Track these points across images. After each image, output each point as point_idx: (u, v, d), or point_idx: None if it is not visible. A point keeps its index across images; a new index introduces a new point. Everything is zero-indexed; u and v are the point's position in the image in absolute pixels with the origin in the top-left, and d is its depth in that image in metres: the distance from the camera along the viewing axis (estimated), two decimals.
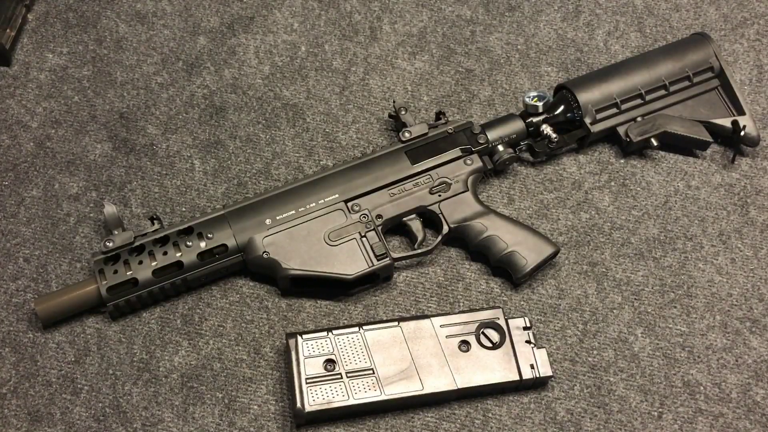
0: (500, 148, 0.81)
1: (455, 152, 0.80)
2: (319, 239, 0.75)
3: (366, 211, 0.76)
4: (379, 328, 0.71)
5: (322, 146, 0.86)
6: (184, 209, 0.81)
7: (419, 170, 0.79)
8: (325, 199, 0.76)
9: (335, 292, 0.76)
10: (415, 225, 0.78)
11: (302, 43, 0.93)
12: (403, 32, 0.95)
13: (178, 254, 0.73)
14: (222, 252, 0.74)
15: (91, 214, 0.80)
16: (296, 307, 0.76)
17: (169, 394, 0.71)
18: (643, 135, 0.83)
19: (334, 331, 0.71)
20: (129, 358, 0.73)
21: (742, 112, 0.86)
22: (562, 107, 0.84)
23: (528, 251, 0.76)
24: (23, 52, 0.90)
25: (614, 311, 0.77)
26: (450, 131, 0.81)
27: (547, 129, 0.83)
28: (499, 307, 0.73)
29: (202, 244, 0.73)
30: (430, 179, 0.79)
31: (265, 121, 0.87)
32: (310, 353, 0.70)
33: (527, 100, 0.83)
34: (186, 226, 0.74)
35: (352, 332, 0.71)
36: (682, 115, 0.85)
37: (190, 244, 0.73)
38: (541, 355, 0.71)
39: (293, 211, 0.75)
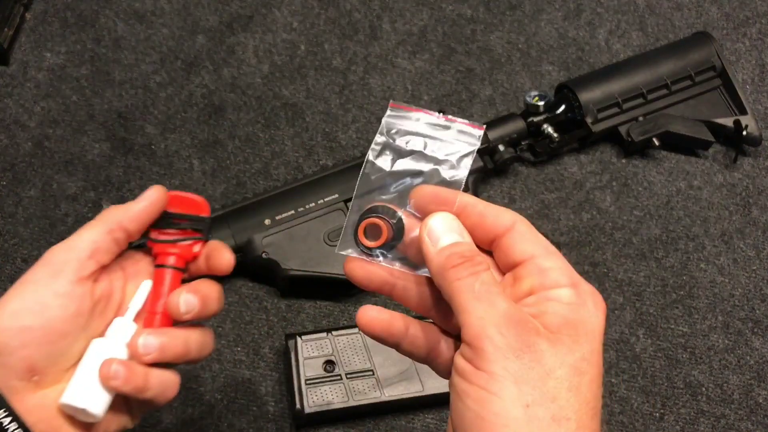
0: (501, 147, 0.81)
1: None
2: (318, 239, 0.74)
3: None
4: None
5: (322, 146, 0.85)
6: None
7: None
8: (325, 199, 0.76)
9: (335, 293, 0.76)
10: None
11: (302, 42, 0.92)
12: (403, 31, 0.94)
13: None
14: None
15: (90, 215, 0.79)
16: (295, 307, 0.75)
17: None
18: (644, 134, 0.83)
19: (334, 332, 0.70)
20: None
21: (744, 112, 0.85)
22: (563, 107, 0.83)
23: None
24: (21, 52, 0.89)
25: (616, 312, 0.77)
26: None
27: (548, 128, 0.82)
28: None
29: None
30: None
31: (264, 121, 0.87)
32: (310, 354, 0.69)
33: (528, 99, 0.82)
34: None
35: (352, 333, 0.70)
36: (684, 115, 0.85)
37: None
38: None
39: (293, 211, 0.75)
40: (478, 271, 0.36)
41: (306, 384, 0.68)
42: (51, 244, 0.78)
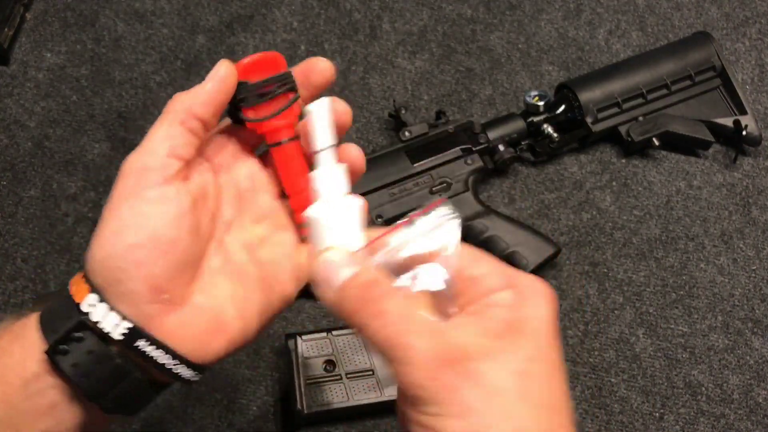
0: (501, 147, 0.81)
1: (456, 152, 0.79)
2: None
3: None
4: None
5: None
6: None
7: (419, 170, 0.78)
8: None
9: None
10: None
11: (302, 42, 0.92)
12: (403, 31, 0.94)
13: None
14: None
15: (90, 214, 0.79)
16: (296, 307, 0.75)
17: (168, 395, 0.70)
18: (644, 134, 0.83)
19: (334, 332, 0.70)
20: None
21: (744, 112, 0.85)
22: (563, 106, 0.83)
23: (529, 251, 0.75)
24: (21, 51, 0.89)
25: (615, 312, 0.77)
26: (450, 130, 0.80)
27: (548, 128, 0.82)
28: None
29: None
30: (431, 179, 0.78)
31: None
32: (310, 354, 0.69)
33: (528, 99, 0.82)
34: None
35: (352, 333, 0.70)
36: (684, 115, 0.85)
37: None
38: None
39: None
40: (380, 309, 0.34)
41: (306, 384, 0.68)
42: (51, 244, 0.78)
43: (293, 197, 0.43)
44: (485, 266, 0.36)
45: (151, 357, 0.38)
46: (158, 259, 0.38)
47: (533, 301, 0.35)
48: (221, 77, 0.41)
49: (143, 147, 0.40)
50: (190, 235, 0.39)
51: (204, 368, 0.40)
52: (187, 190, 0.40)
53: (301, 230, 0.43)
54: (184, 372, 0.39)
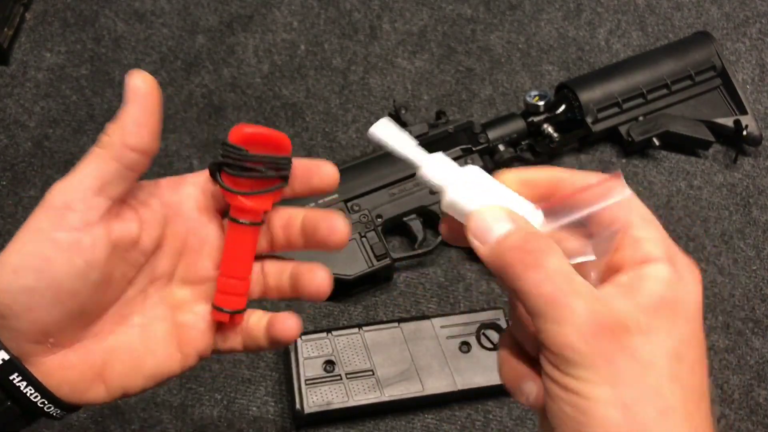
0: (501, 147, 0.81)
1: (456, 152, 0.79)
2: None
3: (366, 211, 0.76)
4: (379, 329, 0.71)
5: (322, 146, 0.85)
6: None
7: None
8: (325, 199, 0.75)
9: (335, 293, 0.76)
10: (415, 225, 0.77)
11: (301, 42, 0.92)
12: (403, 31, 0.94)
13: None
14: None
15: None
16: (295, 308, 0.75)
17: (167, 395, 0.70)
18: (644, 134, 0.83)
19: (334, 332, 0.70)
20: None
21: (744, 112, 0.85)
22: (563, 106, 0.83)
23: None
24: (21, 51, 0.89)
25: None
26: (450, 131, 0.80)
27: (548, 128, 0.82)
28: (499, 308, 0.73)
29: None
30: None
31: (264, 121, 0.87)
32: (310, 354, 0.69)
33: (528, 99, 0.82)
34: None
35: (352, 333, 0.70)
36: (684, 115, 0.85)
37: None
38: None
39: None
40: (540, 263, 0.32)
41: (306, 384, 0.68)
42: None
43: (224, 278, 0.41)
44: (652, 231, 0.34)
45: (23, 392, 0.36)
46: (53, 308, 0.36)
47: (689, 283, 0.33)
48: (144, 94, 0.37)
49: (70, 180, 0.37)
50: (96, 288, 0.37)
51: (75, 408, 0.39)
52: (107, 239, 0.37)
53: (214, 312, 0.41)
54: (53, 410, 0.38)
